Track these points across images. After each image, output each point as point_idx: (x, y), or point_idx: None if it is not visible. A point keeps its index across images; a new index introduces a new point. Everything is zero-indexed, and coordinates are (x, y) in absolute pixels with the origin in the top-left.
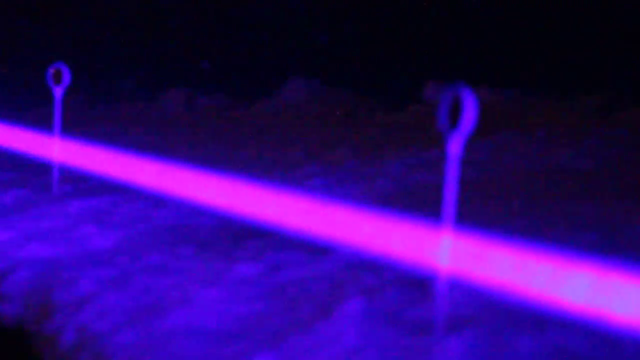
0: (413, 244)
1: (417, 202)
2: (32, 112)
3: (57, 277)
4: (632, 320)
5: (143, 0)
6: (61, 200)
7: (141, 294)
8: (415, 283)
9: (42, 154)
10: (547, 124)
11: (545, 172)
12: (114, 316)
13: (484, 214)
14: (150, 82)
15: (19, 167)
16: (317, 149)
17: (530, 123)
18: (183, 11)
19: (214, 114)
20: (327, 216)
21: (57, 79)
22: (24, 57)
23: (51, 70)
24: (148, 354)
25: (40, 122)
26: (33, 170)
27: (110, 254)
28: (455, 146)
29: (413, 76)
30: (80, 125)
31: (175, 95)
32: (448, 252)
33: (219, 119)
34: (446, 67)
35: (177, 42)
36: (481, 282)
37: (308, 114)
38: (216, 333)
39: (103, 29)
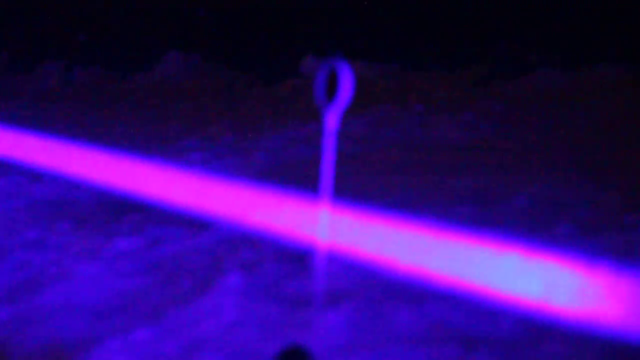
0: (291, 218)
1: (296, 176)
2: None
3: None
4: (506, 292)
5: None
6: None
7: (18, 270)
8: (294, 257)
9: None
10: (426, 98)
11: (424, 146)
12: None
13: (363, 188)
14: (25, 54)
15: None
16: (196, 123)
17: (408, 97)
18: None
19: (91, 87)
20: (206, 190)
21: None
22: None
23: None
24: (26, 330)
25: None
26: None
27: None
28: (332, 120)
29: (291, 50)
30: None
31: (52, 68)
32: (326, 226)
33: (96, 92)
34: (324, 41)
35: (53, 13)
36: (360, 255)
37: (186, 88)
38: (95, 308)
39: None
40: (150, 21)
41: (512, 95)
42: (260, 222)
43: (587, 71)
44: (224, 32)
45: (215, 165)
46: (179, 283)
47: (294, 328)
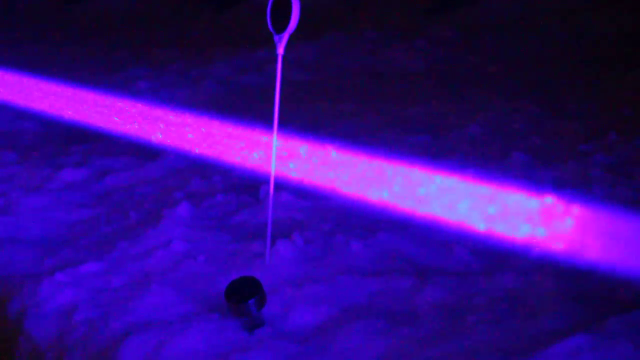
0: (242, 148)
1: (246, 104)
2: None
3: None
4: (460, 222)
5: None
6: None
7: None
8: (244, 187)
9: None
10: (378, 25)
11: (376, 73)
12: None
13: (315, 116)
14: None
15: None
16: (142, 51)
17: (359, 24)
18: None
19: (35, 14)
20: (154, 120)
21: None
22: None
23: None
24: None
25: None
26: None
27: None
28: (281, 46)
29: None
30: None
31: None
32: (276, 155)
33: (40, 19)
34: None
35: None
36: (311, 186)
37: (132, 14)
38: (41, 241)
39: None
40: None
41: (466, 21)
42: (209, 152)
43: None
44: None
45: (163, 94)
46: (127, 215)
47: (245, 259)
